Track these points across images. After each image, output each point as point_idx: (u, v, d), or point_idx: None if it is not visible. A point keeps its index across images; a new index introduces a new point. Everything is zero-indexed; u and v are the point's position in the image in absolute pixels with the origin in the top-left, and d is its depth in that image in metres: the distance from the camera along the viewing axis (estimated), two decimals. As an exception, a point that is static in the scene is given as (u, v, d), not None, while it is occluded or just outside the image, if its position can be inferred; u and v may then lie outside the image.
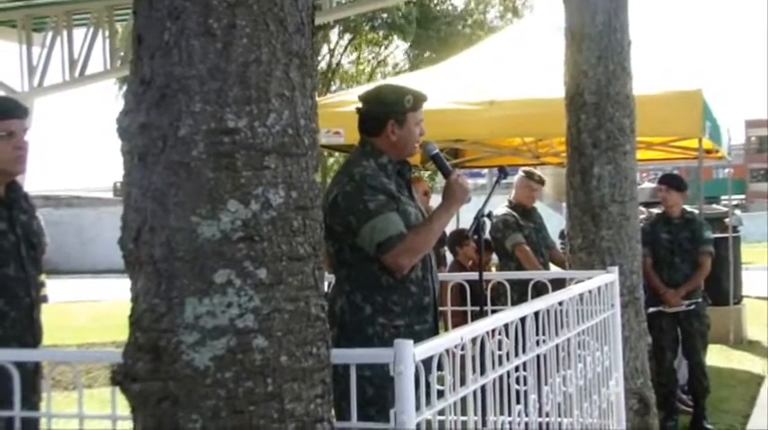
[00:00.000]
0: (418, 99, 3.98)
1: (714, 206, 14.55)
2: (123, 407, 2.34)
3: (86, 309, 17.47)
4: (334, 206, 3.81)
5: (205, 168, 2.18)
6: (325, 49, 29.45)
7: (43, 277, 4.36)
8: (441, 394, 2.65)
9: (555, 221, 11.65)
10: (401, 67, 30.68)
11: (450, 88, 8.89)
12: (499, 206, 7.83)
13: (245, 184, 2.19)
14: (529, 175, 7.91)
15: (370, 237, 3.75)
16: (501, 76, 9.16)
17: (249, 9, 2.22)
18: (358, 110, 4.05)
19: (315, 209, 2.33)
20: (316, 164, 2.35)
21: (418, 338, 2.59)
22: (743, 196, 67.67)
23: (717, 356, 9.84)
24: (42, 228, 4.22)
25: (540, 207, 9.27)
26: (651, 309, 7.45)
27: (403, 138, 3.94)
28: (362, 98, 4.09)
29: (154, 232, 2.20)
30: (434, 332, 3.90)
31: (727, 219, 11.99)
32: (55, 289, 21.62)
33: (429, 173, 19.70)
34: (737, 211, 20.12)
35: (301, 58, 2.32)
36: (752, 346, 11.25)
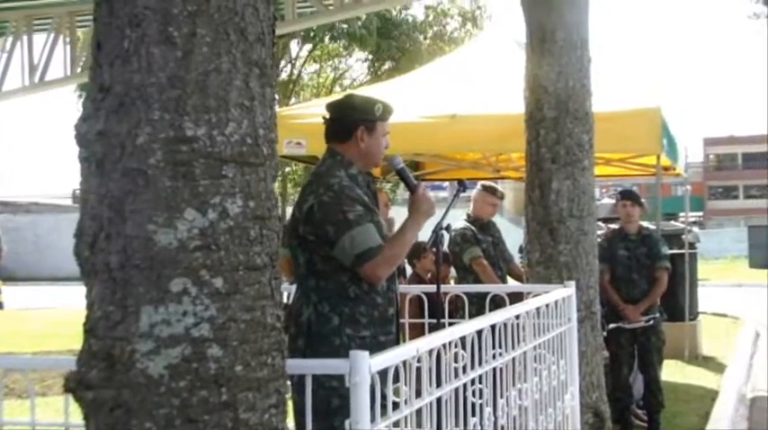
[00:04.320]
0: (387, 110, 4.04)
1: (672, 222, 14.64)
2: (77, 415, 2.32)
3: (44, 317, 17.26)
4: (310, 215, 3.81)
5: (163, 176, 2.17)
6: (285, 59, 29.29)
7: (-1, 284, 4.33)
8: (396, 406, 2.66)
9: (515, 235, 11.69)
10: (362, 79, 30.58)
11: (411, 102, 8.88)
12: (458, 220, 7.84)
13: (202, 193, 2.19)
14: (486, 189, 7.91)
15: (350, 248, 3.75)
16: (462, 90, 9.20)
17: (210, 18, 2.22)
18: (325, 119, 4.06)
19: (272, 218, 2.33)
20: (274, 174, 2.35)
21: (383, 349, 2.63)
22: (701, 213, 68.31)
23: (672, 371, 9.93)
24: (-1, 234, 4.18)
25: (500, 221, 9.31)
26: (611, 325, 7.53)
27: (371, 147, 3.97)
28: (332, 105, 4.11)
29: (110, 240, 2.20)
30: (397, 342, 3.94)
31: (684, 236, 12.08)
32: (12, 295, 21.45)
33: (391, 185, 19.75)
34: (695, 228, 20.36)
35: (261, 68, 2.32)
36: (707, 362, 11.35)
